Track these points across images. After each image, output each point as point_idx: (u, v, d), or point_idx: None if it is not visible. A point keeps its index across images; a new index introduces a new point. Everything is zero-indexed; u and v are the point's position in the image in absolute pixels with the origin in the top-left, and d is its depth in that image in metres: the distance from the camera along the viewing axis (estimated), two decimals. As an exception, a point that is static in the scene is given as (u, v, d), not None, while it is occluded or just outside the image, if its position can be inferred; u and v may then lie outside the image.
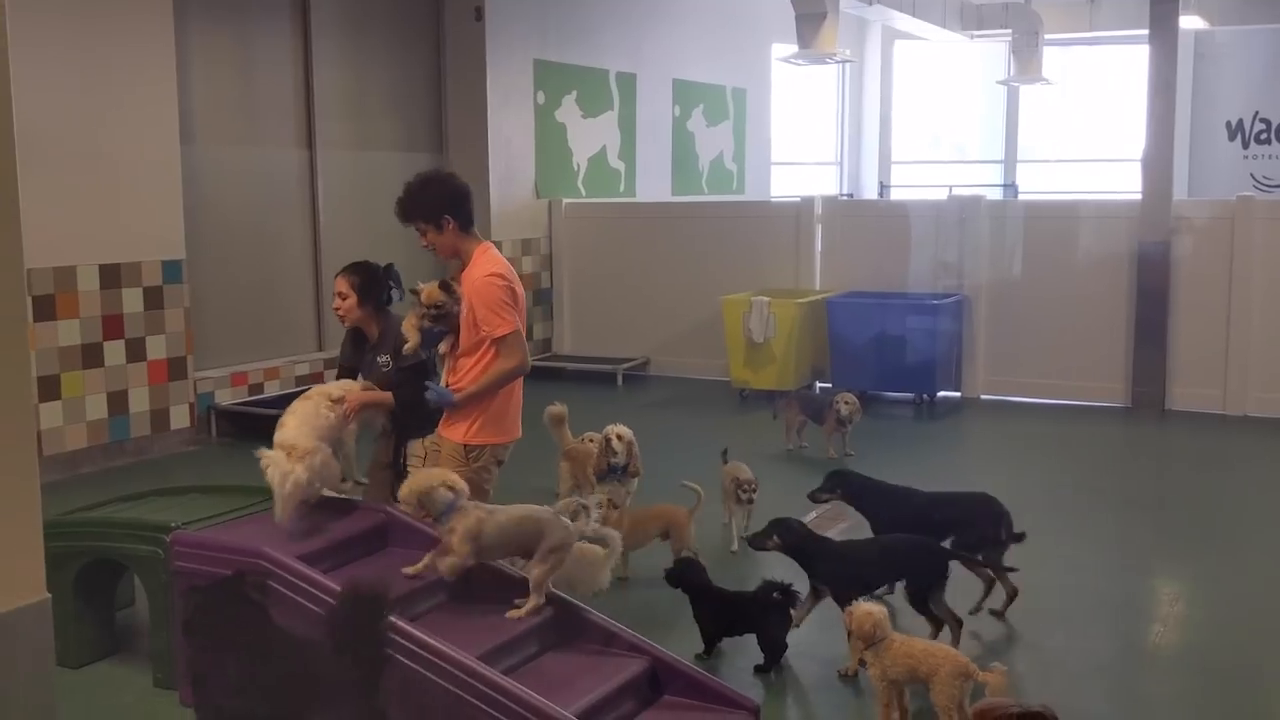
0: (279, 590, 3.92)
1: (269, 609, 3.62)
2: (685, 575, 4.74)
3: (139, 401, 8.65)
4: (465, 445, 4.62)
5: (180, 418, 9.00)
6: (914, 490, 5.55)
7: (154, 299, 8.68)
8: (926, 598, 4.63)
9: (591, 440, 6.32)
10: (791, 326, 10.64)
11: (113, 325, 8.44)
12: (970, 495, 5.40)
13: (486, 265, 4.56)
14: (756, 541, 4.84)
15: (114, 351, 8.47)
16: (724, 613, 4.71)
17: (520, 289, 4.65)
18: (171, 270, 8.75)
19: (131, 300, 8.54)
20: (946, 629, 4.69)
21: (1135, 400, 10.33)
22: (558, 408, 6.67)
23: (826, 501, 5.43)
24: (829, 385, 10.64)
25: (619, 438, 6.06)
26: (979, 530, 5.15)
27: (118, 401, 8.54)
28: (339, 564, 4.29)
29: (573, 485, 6.44)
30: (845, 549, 4.91)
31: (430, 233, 4.62)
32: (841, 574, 4.69)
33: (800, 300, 10.80)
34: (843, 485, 5.39)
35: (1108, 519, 7.10)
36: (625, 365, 11.86)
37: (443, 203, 4.55)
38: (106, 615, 4.94)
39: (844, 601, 4.37)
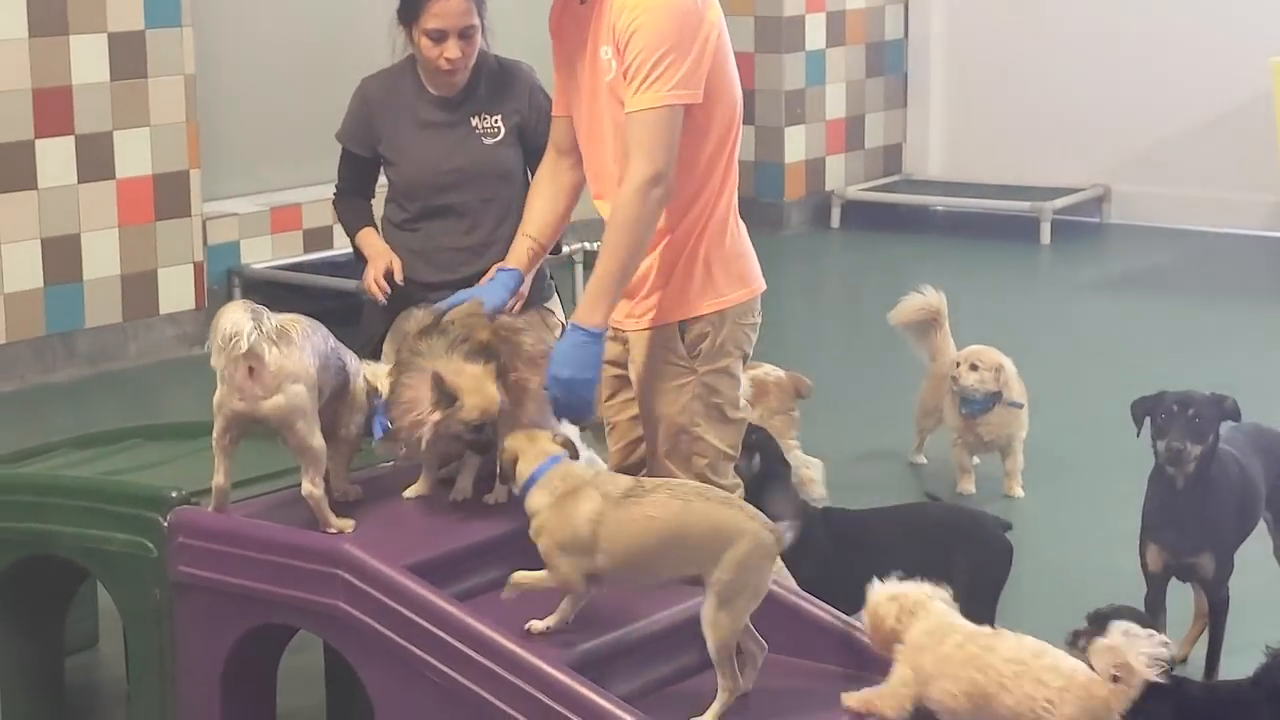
0: (370, 627, 3.20)
1: None
2: None
3: (100, 259, 7.06)
4: (683, 321, 3.55)
5: (177, 290, 7.37)
6: None
7: (128, 56, 6.98)
8: None
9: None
10: None
11: (52, 108, 6.65)
12: None
13: None
14: None
15: (51, 159, 6.79)
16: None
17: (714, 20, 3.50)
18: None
19: (86, 59, 6.71)
20: None
21: None
22: (926, 299, 5.47)
23: None
24: None
25: (973, 367, 5.23)
26: None
27: (60, 258, 7.14)
28: (481, 584, 3.34)
29: (935, 420, 5.44)
30: None
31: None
32: None
33: None
34: None
35: None
36: (1058, 201, 8.69)
37: None
38: (49, 666, 4.00)
39: None
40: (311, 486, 3.20)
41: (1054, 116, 9.04)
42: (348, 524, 3.19)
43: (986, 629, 3.10)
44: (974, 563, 4.02)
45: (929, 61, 9.41)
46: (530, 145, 4.05)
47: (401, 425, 3.30)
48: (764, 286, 3.65)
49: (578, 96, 3.48)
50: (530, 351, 3.41)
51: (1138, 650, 2.85)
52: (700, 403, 3.44)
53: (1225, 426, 4.10)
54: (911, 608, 3.10)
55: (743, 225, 3.59)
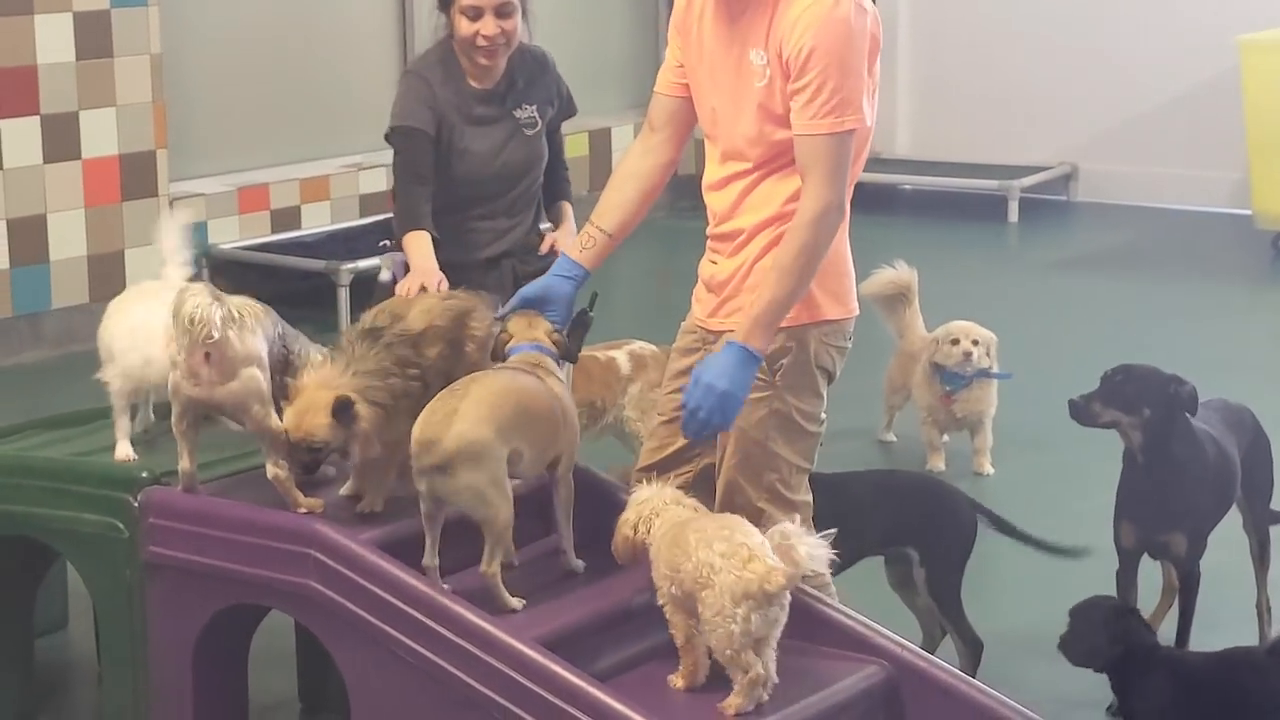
0: (342, 606, 3.21)
1: None
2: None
3: (66, 240, 6.99)
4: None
5: (144, 271, 7.14)
6: None
7: (94, 36, 6.89)
8: None
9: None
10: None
11: (17, 88, 6.64)
12: None
13: None
14: None
15: (17, 139, 6.71)
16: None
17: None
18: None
19: (52, 39, 6.70)
20: None
21: None
22: (897, 273, 5.41)
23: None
24: None
25: (974, 343, 5.27)
26: None
27: (26, 239, 6.84)
28: (453, 561, 3.33)
29: (903, 397, 5.42)
30: None
31: None
32: None
33: None
34: None
35: None
36: (1026, 179, 8.87)
37: None
38: (19, 647, 3.97)
39: None
40: (275, 468, 3.16)
41: (1021, 95, 9.14)
42: (317, 503, 3.16)
43: (698, 515, 3.14)
44: (940, 531, 4.09)
45: (896, 40, 9.32)
46: (548, 132, 4.06)
47: None
48: (857, 311, 3.52)
49: (705, 76, 3.32)
50: (479, 334, 3.42)
51: (805, 541, 2.90)
52: (776, 417, 3.32)
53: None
54: (649, 515, 3.15)
55: (848, 245, 3.49)
